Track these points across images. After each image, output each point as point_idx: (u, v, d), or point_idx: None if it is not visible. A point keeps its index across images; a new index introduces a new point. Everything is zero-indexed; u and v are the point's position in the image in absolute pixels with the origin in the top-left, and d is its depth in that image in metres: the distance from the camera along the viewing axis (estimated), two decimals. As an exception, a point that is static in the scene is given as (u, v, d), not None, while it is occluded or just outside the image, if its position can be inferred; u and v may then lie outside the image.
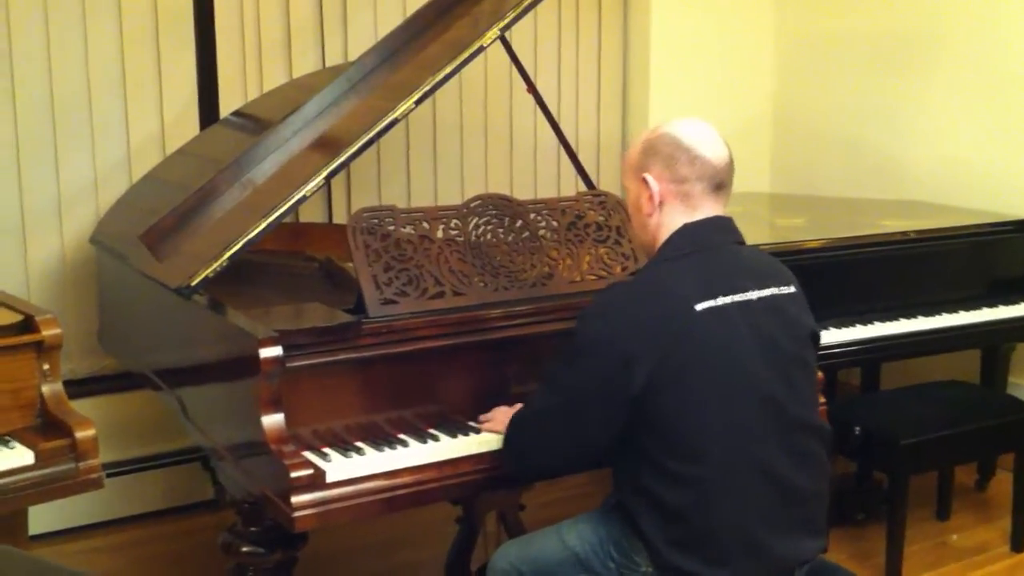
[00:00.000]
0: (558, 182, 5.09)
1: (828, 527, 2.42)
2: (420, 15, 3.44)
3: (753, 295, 2.28)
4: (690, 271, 2.28)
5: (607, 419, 2.22)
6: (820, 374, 2.78)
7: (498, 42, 3.11)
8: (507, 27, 3.08)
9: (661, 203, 2.35)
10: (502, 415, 2.55)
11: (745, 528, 2.22)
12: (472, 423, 2.63)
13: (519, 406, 2.50)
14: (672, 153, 2.33)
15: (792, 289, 2.38)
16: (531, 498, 3.20)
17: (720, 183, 2.35)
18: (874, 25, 5.07)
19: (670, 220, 2.34)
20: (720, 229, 2.37)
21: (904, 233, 4.00)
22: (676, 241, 2.33)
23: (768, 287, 2.32)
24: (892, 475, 3.57)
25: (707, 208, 2.34)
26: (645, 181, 2.35)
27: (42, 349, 2.75)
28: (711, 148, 2.34)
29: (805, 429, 2.31)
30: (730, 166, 2.37)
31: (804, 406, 2.33)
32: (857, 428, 3.58)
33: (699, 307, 2.20)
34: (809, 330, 2.40)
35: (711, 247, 2.33)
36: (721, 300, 2.23)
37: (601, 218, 2.98)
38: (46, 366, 2.76)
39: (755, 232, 4.10)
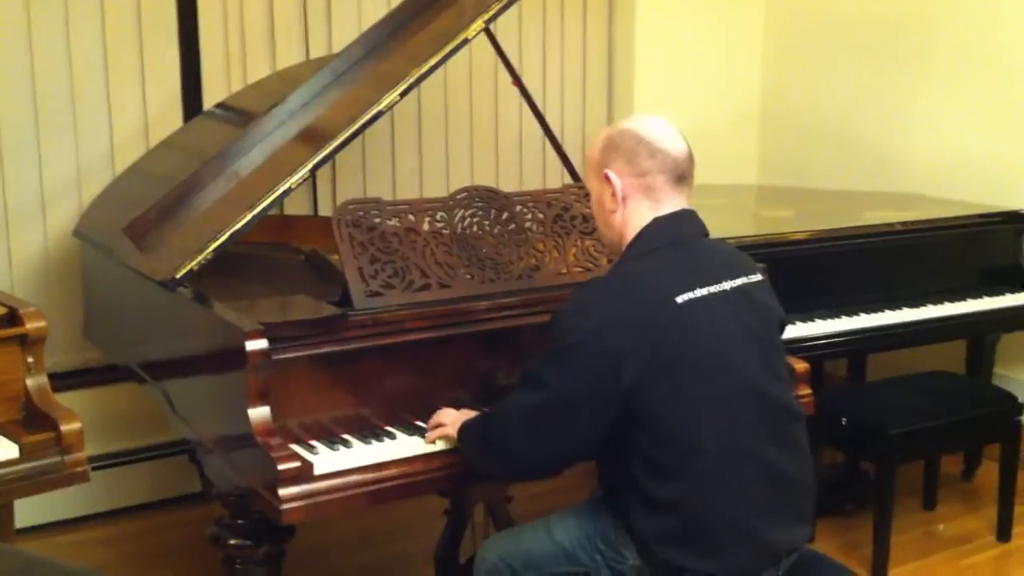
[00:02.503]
0: (544, 174, 5.08)
1: (816, 518, 2.43)
2: (405, 6, 3.43)
3: (727, 285, 2.29)
4: (666, 264, 2.28)
5: (597, 415, 2.20)
6: (805, 365, 2.80)
7: (483, 34, 3.10)
8: (492, 19, 3.07)
9: (625, 198, 2.35)
10: (448, 420, 2.51)
11: (739, 518, 2.22)
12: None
13: (466, 413, 2.49)
14: (632, 148, 2.33)
15: (760, 277, 2.41)
16: (519, 490, 3.20)
17: (682, 175, 2.35)
18: (864, 13, 5.06)
19: (635, 215, 2.34)
20: (688, 222, 2.37)
21: (890, 225, 4.01)
22: (647, 235, 2.33)
23: (739, 277, 2.34)
24: (880, 465, 3.57)
25: (671, 201, 2.34)
26: (607, 177, 2.35)
27: (26, 342, 2.74)
28: (670, 141, 2.34)
29: (789, 415, 2.32)
30: (690, 159, 2.37)
31: (786, 392, 2.35)
32: (844, 418, 3.59)
33: (680, 299, 2.20)
34: (779, 317, 2.44)
35: (682, 240, 2.34)
36: (700, 291, 2.24)
37: (587, 210, 2.97)
38: (30, 359, 2.75)
39: (740, 224, 4.12)
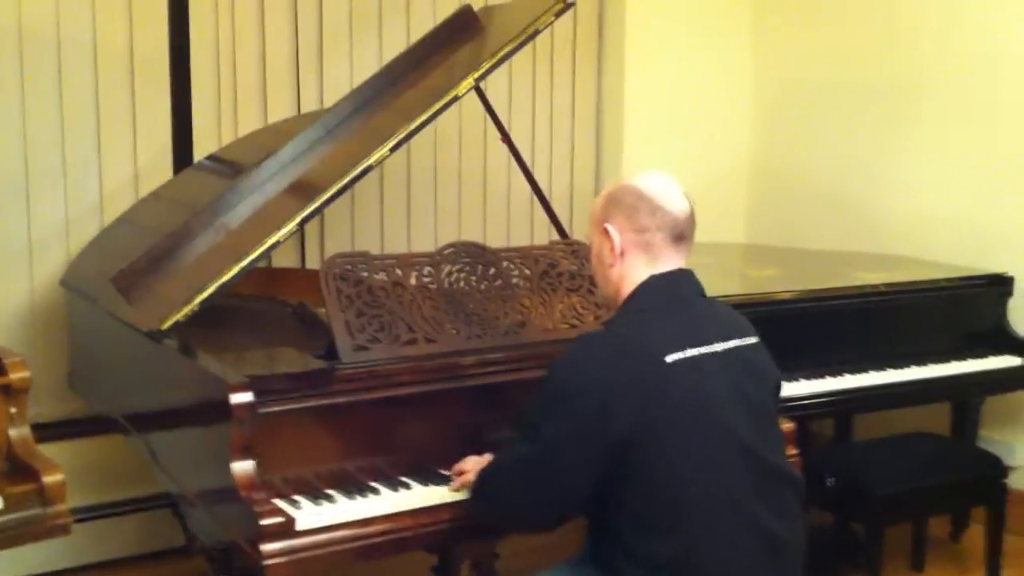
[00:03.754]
0: (531, 231, 5.09)
1: (807, 577, 2.42)
2: (396, 63, 3.46)
3: (719, 347, 2.30)
4: (658, 323, 2.29)
5: (585, 467, 2.20)
6: (790, 425, 2.80)
7: (473, 91, 3.12)
8: (482, 77, 3.09)
9: (623, 253, 2.36)
10: (474, 464, 2.53)
11: (728, 577, 2.21)
12: (443, 471, 2.61)
13: (488, 457, 2.50)
14: (634, 204, 2.35)
15: (754, 339, 2.41)
16: (506, 547, 3.17)
17: (680, 234, 2.36)
18: (853, 76, 5.10)
19: (632, 271, 2.36)
20: (685, 282, 2.39)
21: (875, 286, 4.02)
22: (643, 293, 2.34)
23: (732, 339, 2.34)
24: (867, 526, 3.56)
25: (668, 259, 2.35)
26: (607, 231, 2.37)
27: (9, 392, 2.72)
28: (672, 200, 2.36)
29: (782, 479, 2.32)
30: (691, 219, 2.39)
31: (779, 455, 2.34)
32: (831, 479, 3.58)
33: (670, 359, 2.21)
34: (776, 379, 2.44)
35: (678, 299, 2.35)
36: (691, 352, 2.24)
37: (574, 267, 2.99)
38: (13, 409, 2.73)
39: (726, 283, 4.12)
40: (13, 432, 2.73)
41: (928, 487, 3.64)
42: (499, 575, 3.09)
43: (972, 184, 4.64)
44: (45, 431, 3.56)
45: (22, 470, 2.68)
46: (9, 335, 3.89)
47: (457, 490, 2.53)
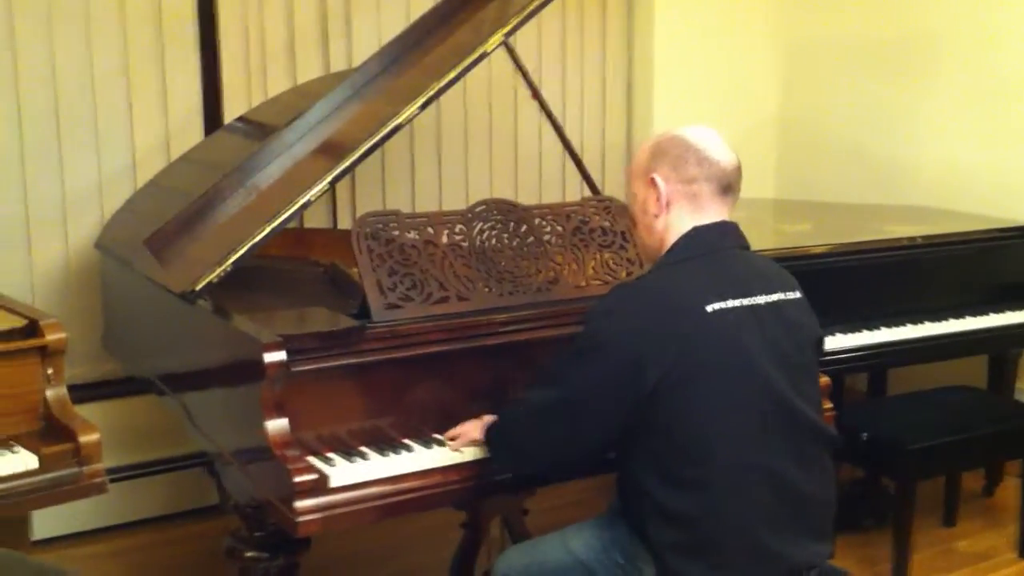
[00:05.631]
0: (563, 188, 5.08)
1: (835, 533, 2.41)
2: (424, 21, 3.43)
3: (761, 299, 2.27)
4: (699, 273, 2.27)
5: (608, 418, 2.21)
6: (826, 379, 2.78)
7: (502, 48, 3.10)
8: (511, 32, 3.06)
9: (668, 203, 2.34)
10: (471, 426, 2.53)
11: (752, 534, 2.20)
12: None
13: (487, 418, 2.50)
14: (681, 154, 2.32)
15: (797, 295, 2.38)
16: (535, 503, 3.20)
17: (728, 186, 2.34)
18: (877, 30, 5.07)
19: (678, 222, 2.34)
20: (727, 234, 2.36)
21: (911, 239, 3.99)
22: (684, 244, 2.32)
23: (775, 292, 2.32)
24: (899, 480, 3.55)
25: (714, 211, 2.33)
26: (653, 182, 2.34)
27: (46, 354, 2.74)
28: (719, 151, 2.34)
29: (815, 434, 2.30)
30: (738, 171, 2.36)
31: (813, 410, 2.32)
32: (864, 434, 3.57)
33: (710, 308, 2.19)
34: (815, 336, 2.40)
35: (719, 250, 2.33)
36: (731, 302, 2.22)
37: (606, 223, 2.97)
38: (50, 371, 2.75)
39: (760, 238, 4.09)
40: (50, 393, 2.75)
41: (961, 441, 3.62)
42: (528, 531, 3.10)
43: (1000, 134, 4.61)
44: (80, 392, 3.59)
45: (58, 431, 2.71)
46: (45, 298, 3.93)
47: (457, 450, 2.52)
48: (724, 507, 2.18)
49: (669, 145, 2.35)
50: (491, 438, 2.45)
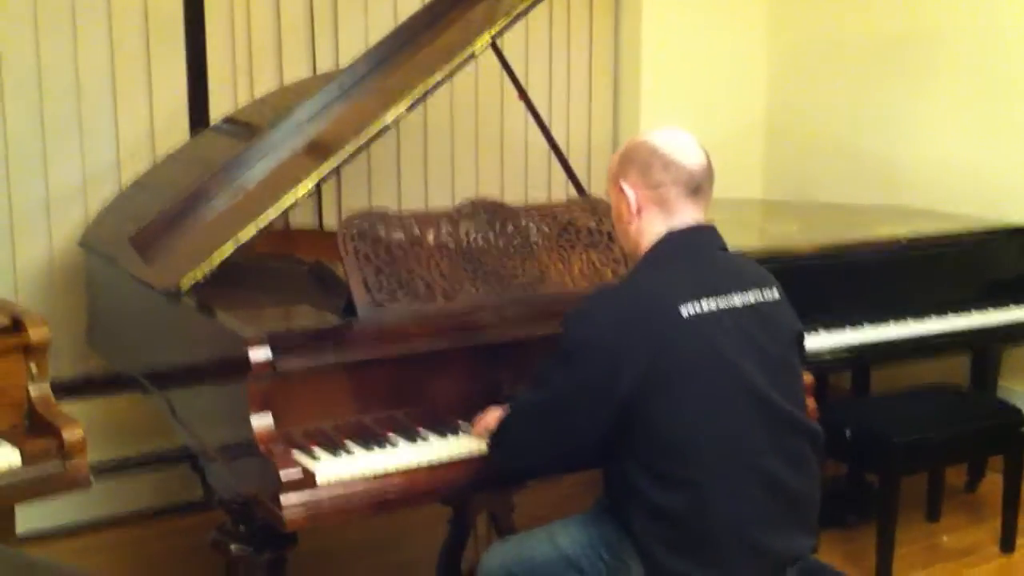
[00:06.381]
0: (549, 188, 5.09)
1: (819, 529, 2.42)
2: (411, 21, 3.43)
3: (737, 300, 2.29)
4: (675, 276, 2.29)
5: (594, 420, 2.22)
6: (809, 377, 2.79)
7: (490, 49, 3.11)
8: (499, 34, 3.08)
9: (639, 210, 2.36)
10: (493, 415, 2.55)
11: (741, 529, 2.22)
12: (463, 422, 2.62)
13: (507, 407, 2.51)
14: (647, 160, 2.35)
15: (776, 294, 2.40)
16: (522, 499, 3.20)
17: (697, 187, 2.36)
18: (868, 28, 5.08)
19: (650, 227, 2.36)
20: (704, 235, 2.39)
21: (895, 239, 4.00)
22: (661, 247, 2.34)
23: (751, 291, 2.33)
24: (883, 476, 3.57)
25: (686, 213, 2.35)
26: (623, 189, 2.37)
27: (30, 350, 2.74)
28: (686, 154, 2.35)
29: (797, 430, 2.32)
30: (707, 171, 2.38)
31: (795, 407, 2.33)
32: (848, 430, 3.59)
33: (685, 311, 2.21)
34: (795, 332, 2.42)
35: (695, 252, 2.35)
36: (706, 304, 2.24)
37: (592, 223, 2.99)
38: (34, 367, 2.75)
39: (746, 237, 4.12)
40: (33, 389, 2.75)
41: (945, 437, 3.65)
42: (515, 527, 3.11)
43: (988, 134, 4.64)
44: (64, 389, 3.59)
45: (42, 427, 2.70)
46: (29, 295, 3.93)
47: (480, 435, 2.53)
48: (712, 503, 2.19)
49: (635, 152, 2.38)
50: (490, 436, 2.47)
